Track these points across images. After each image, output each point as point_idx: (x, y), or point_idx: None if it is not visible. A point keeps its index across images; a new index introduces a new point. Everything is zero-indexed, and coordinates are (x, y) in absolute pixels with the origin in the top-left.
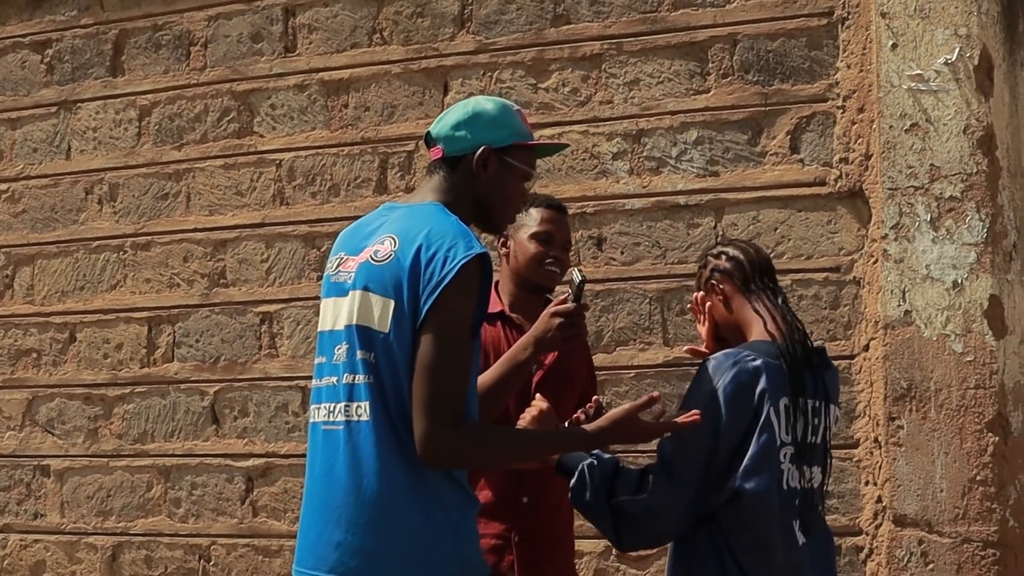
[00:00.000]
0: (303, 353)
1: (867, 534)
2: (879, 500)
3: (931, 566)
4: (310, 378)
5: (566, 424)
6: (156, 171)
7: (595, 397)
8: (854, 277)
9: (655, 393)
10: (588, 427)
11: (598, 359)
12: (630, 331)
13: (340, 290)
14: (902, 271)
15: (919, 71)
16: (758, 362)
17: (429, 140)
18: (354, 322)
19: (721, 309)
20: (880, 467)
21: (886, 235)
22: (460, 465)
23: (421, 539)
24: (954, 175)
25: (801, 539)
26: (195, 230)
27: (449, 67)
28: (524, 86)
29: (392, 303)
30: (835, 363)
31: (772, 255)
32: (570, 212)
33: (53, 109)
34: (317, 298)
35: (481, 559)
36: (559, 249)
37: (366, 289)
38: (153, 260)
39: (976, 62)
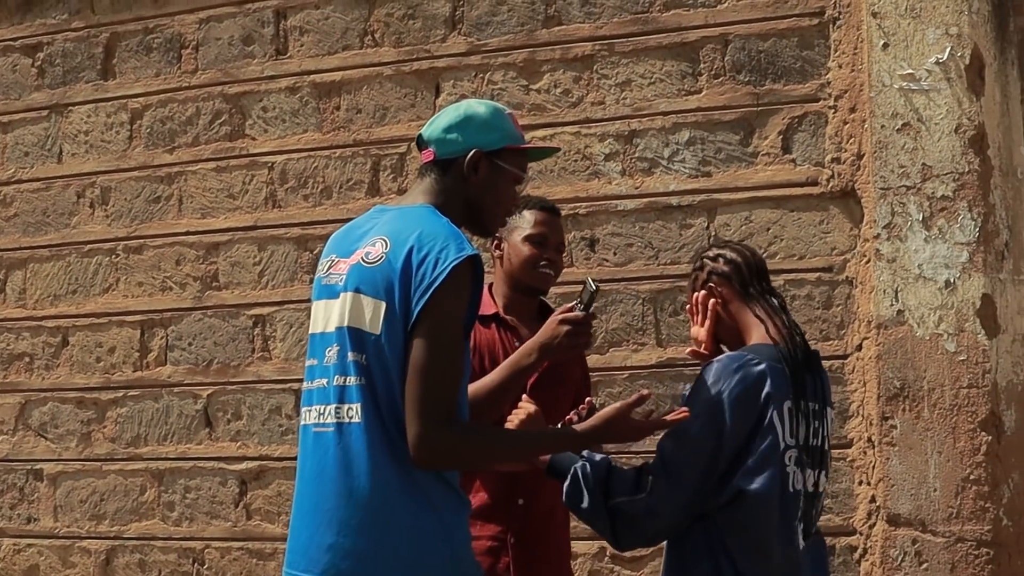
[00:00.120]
0: (296, 356)
1: (861, 534)
2: (873, 500)
3: (925, 565)
4: (303, 381)
5: (559, 425)
6: (148, 174)
7: (588, 399)
8: (847, 277)
9: (645, 391)
10: (579, 427)
11: (591, 360)
12: (623, 332)
13: (331, 292)
14: (894, 271)
15: (910, 70)
16: (762, 366)
17: (420, 143)
18: (345, 324)
19: (719, 312)
20: (874, 467)
21: (878, 235)
22: (452, 466)
23: (413, 541)
24: (946, 174)
25: (801, 542)
26: (187, 233)
27: (441, 69)
28: (516, 87)
29: (383, 305)
30: (828, 363)
31: (765, 255)
32: (563, 213)
33: (44, 112)
34: (310, 300)
35: (473, 560)
36: (553, 251)
37: (357, 291)
38: (145, 263)
39: (967, 61)
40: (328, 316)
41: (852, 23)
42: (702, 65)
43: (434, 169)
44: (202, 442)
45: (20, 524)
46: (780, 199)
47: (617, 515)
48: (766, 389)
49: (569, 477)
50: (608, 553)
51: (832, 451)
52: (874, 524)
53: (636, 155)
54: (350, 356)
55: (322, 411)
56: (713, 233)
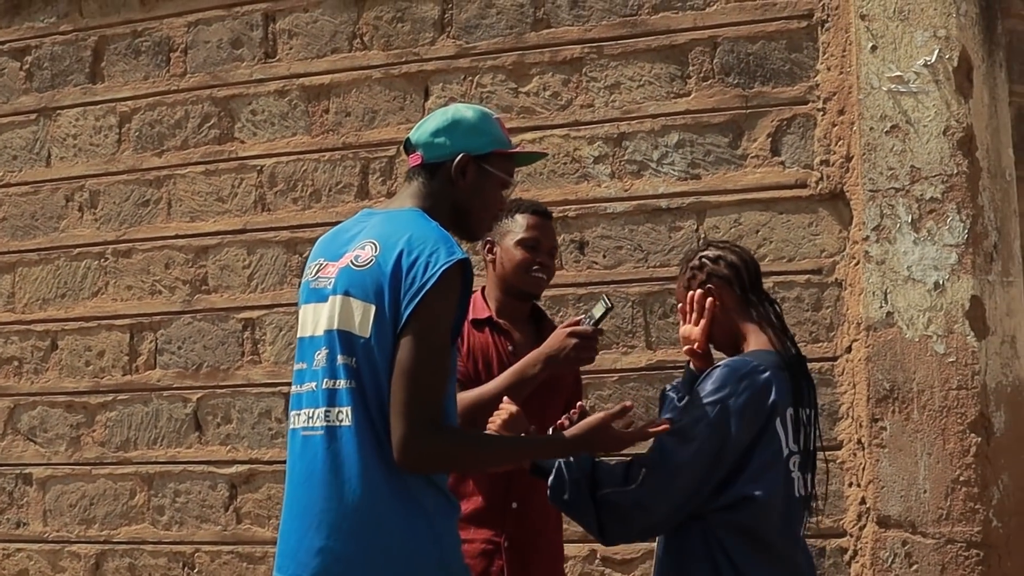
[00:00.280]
0: (286, 359)
1: (851, 535)
2: (863, 501)
3: (915, 567)
4: (292, 384)
5: (551, 430)
6: (137, 178)
7: (579, 403)
8: (836, 279)
9: (628, 403)
10: (563, 434)
11: None
12: (613, 335)
13: (320, 296)
14: (884, 272)
15: (899, 73)
16: (767, 374)
17: (408, 146)
18: (335, 327)
19: (718, 314)
20: (863, 468)
21: (867, 237)
22: (436, 469)
23: (402, 544)
24: (934, 176)
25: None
26: (176, 237)
27: (430, 72)
28: (505, 90)
29: (373, 308)
30: (818, 365)
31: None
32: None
33: (33, 116)
34: (298, 304)
35: (462, 564)
36: (545, 255)
37: (347, 294)
38: (134, 267)
39: (955, 63)
40: (317, 319)
41: (840, 25)
42: (691, 68)
43: (421, 173)
44: (192, 446)
45: (9, 529)
46: (769, 201)
47: (604, 506)
48: (772, 397)
49: (553, 472)
50: (599, 556)
51: (822, 453)
52: (864, 526)
53: (625, 158)
54: (339, 359)
55: (311, 415)
56: (703, 235)
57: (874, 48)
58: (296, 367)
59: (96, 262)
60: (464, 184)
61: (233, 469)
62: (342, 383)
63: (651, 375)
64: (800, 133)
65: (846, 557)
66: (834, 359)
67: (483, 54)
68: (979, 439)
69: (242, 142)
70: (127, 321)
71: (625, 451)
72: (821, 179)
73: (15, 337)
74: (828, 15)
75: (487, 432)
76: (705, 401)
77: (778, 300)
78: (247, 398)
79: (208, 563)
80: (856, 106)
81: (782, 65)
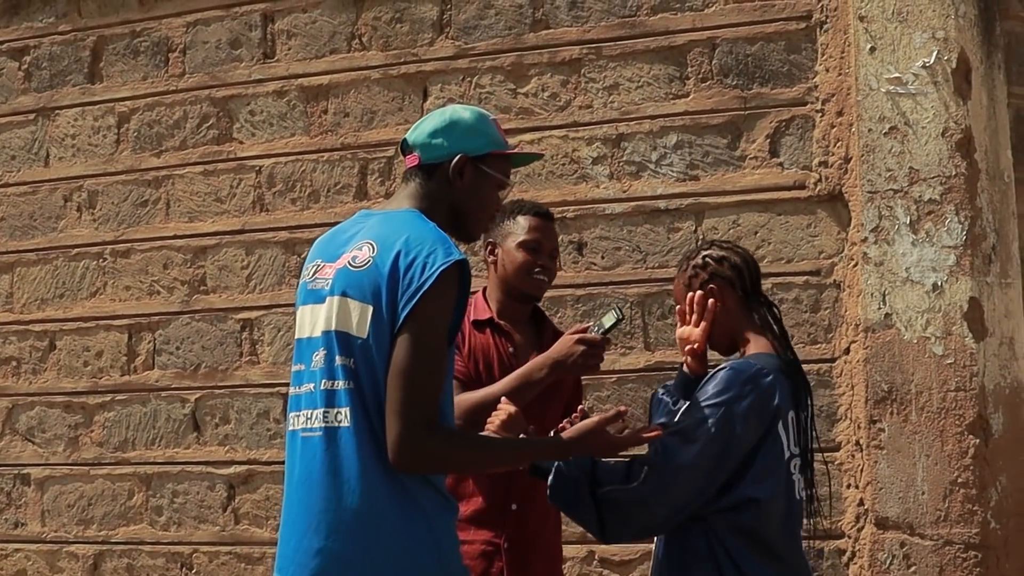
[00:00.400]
0: (284, 360)
1: (849, 537)
2: (861, 503)
3: (913, 568)
4: (290, 385)
5: (551, 433)
6: (135, 178)
7: (580, 408)
8: (834, 280)
9: (622, 407)
10: (558, 436)
11: None
12: (611, 336)
13: (317, 297)
14: (882, 274)
15: (897, 74)
16: (771, 377)
17: (405, 147)
18: (332, 328)
19: (717, 314)
20: (862, 470)
21: (866, 238)
22: (432, 470)
23: (401, 545)
24: (933, 178)
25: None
26: (175, 237)
27: (428, 72)
28: (504, 91)
29: (370, 308)
30: (816, 366)
31: None
32: None
33: (31, 116)
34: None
35: (460, 565)
36: (547, 257)
37: (344, 295)
38: (133, 267)
39: (954, 65)
40: (315, 320)
41: (839, 27)
42: (690, 69)
43: (419, 174)
44: (190, 446)
45: (7, 529)
46: (768, 203)
47: (605, 504)
48: (776, 401)
49: (553, 471)
50: (597, 557)
51: (820, 454)
52: (862, 527)
53: (624, 159)
54: (338, 360)
55: (310, 416)
56: (701, 237)
57: (873, 49)
58: (294, 368)
59: (94, 262)
60: (461, 185)
61: (231, 469)
62: (340, 384)
63: (649, 376)
64: (799, 134)
65: (844, 558)
66: (832, 360)
67: (482, 55)
68: (977, 441)
69: (241, 142)
70: (125, 321)
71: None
72: (820, 180)
73: (13, 337)
74: (827, 16)
75: (484, 433)
76: (709, 403)
77: (776, 301)
78: (245, 398)
79: (206, 564)
80: (855, 107)
81: (781, 66)
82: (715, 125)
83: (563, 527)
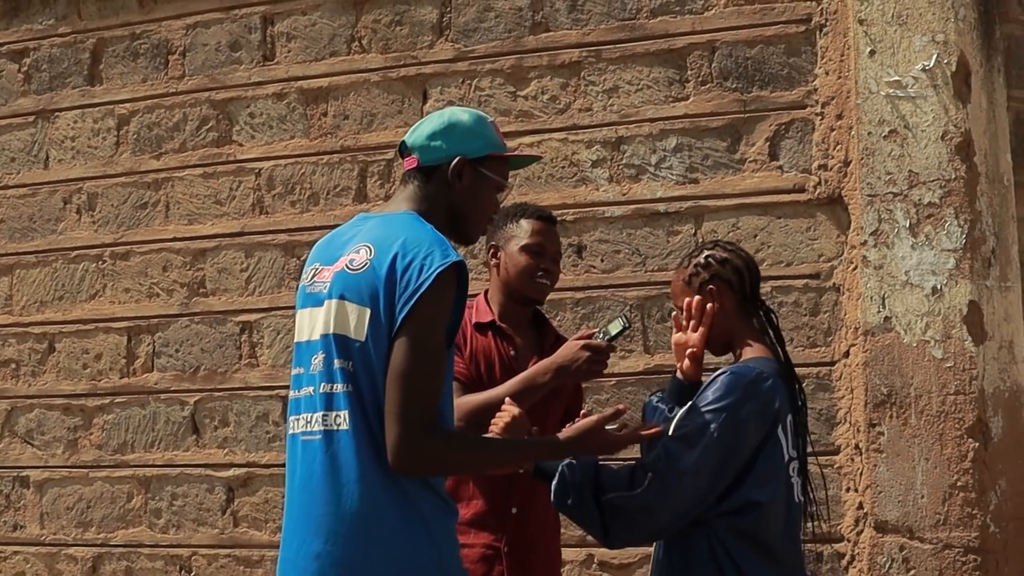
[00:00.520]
0: (283, 362)
1: (848, 541)
2: (860, 507)
3: (912, 572)
4: (290, 389)
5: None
6: (135, 180)
7: (582, 412)
8: (834, 284)
9: (621, 405)
10: (557, 436)
11: None
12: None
13: (315, 300)
14: (881, 277)
15: (897, 77)
16: (770, 381)
17: (403, 149)
18: (331, 331)
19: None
20: (861, 473)
21: (865, 241)
22: (431, 472)
23: (400, 549)
24: (932, 181)
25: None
26: (174, 239)
27: (428, 75)
28: (503, 94)
29: (368, 311)
30: (816, 369)
31: None
32: None
33: (31, 118)
34: (295, 308)
35: (460, 568)
36: (549, 261)
37: (342, 298)
38: (132, 270)
39: (954, 68)
40: (313, 324)
41: (839, 30)
42: (689, 72)
43: (417, 176)
44: (189, 449)
45: (6, 531)
46: (767, 206)
47: (609, 510)
48: (776, 404)
49: (557, 475)
50: (596, 560)
51: (819, 458)
52: (862, 531)
53: (623, 162)
54: (336, 363)
55: (309, 419)
56: (700, 240)
57: (872, 53)
58: (294, 372)
59: (94, 264)
60: (460, 187)
61: (230, 472)
62: (339, 387)
63: (649, 379)
64: (798, 138)
65: (843, 562)
66: (832, 364)
67: (481, 58)
68: (977, 444)
69: (240, 145)
70: (125, 324)
71: (620, 454)
72: (819, 184)
73: (12, 339)
74: (826, 19)
75: (483, 435)
76: (711, 408)
77: (776, 304)
78: (244, 401)
79: (205, 566)
80: (854, 111)
81: (780, 69)
82: (715, 128)
83: (562, 530)
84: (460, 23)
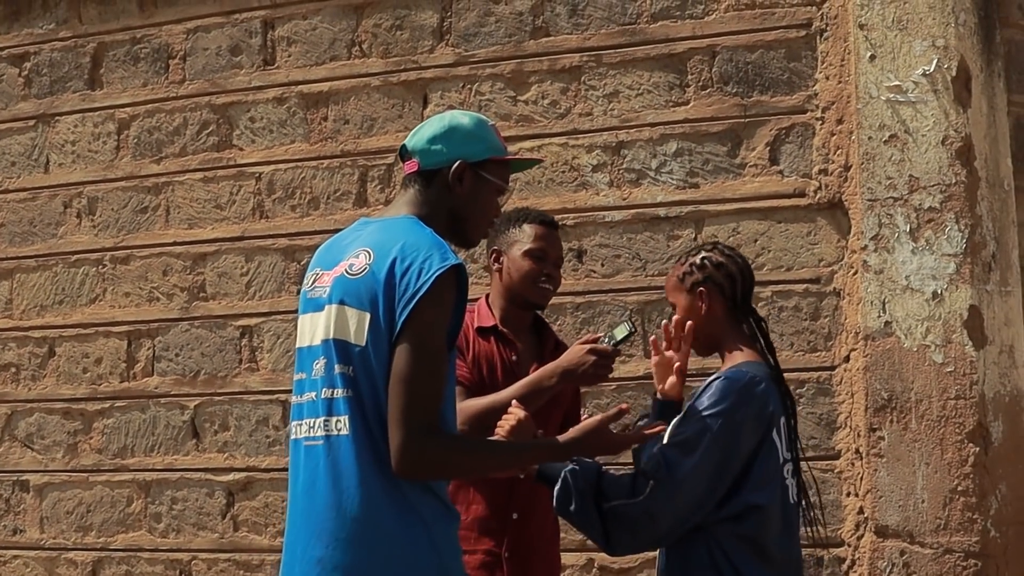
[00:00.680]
0: (283, 367)
1: (849, 545)
2: (861, 511)
3: None
4: (290, 392)
5: None
6: (135, 184)
7: (582, 416)
8: (834, 288)
9: (623, 405)
10: (560, 438)
11: None
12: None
13: (316, 305)
14: (882, 282)
15: (897, 82)
16: (763, 385)
17: (404, 153)
18: (331, 336)
19: (702, 317)
20: (861, 478)
21: (866, 246)
22: (434, 476)
23: (401, 552)
24: (933, 186)
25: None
26: (174, 244)
27: (428, 80)
28: (504, 98)
29: (368, 316)
30: (816, 374)
31: (752, 267)
32: None
33: (31, 122)
34: (297, 312)
35: (461, 572)
36: (552, 266)
37: (342, 303)
38: (132, 274)
39: (954, 73)
40: (314, 329)
41: (839, 35)
42: (690, 76)
43: (418, 180)
44: (189, 453)
45: (6, 536)
46: (768, 210)
47: (611, 518)
48: (770, 408)
49: (560, 481)
50: (596, 565)
51: (821, 462)
52: (862, 535)
53: (624, 166)
54: (337, 368)
55: (312, 424)
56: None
57: (873, 57)
58: (296, 377)
59: (94, 269)
60: (461, 191)
61: (230, 477)
62: (340, 392)
63: (649, 384)
64: (799, 142)
65: (844, 567)
66: (832, 368)
67: (482, 62)
68: (977, 449)
69: (240, 149)
70: (125, 328)
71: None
72: (819, 188)
73: (12, 344)
74: (827, 24)
75: (486, 438)
76: (706, 413)
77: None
78: (244, 405)
79: (205, 571)
80: (855, 115)
81: (781, 74)
82: (715, 133)
83: (562, 534)
84: (460, 27)
